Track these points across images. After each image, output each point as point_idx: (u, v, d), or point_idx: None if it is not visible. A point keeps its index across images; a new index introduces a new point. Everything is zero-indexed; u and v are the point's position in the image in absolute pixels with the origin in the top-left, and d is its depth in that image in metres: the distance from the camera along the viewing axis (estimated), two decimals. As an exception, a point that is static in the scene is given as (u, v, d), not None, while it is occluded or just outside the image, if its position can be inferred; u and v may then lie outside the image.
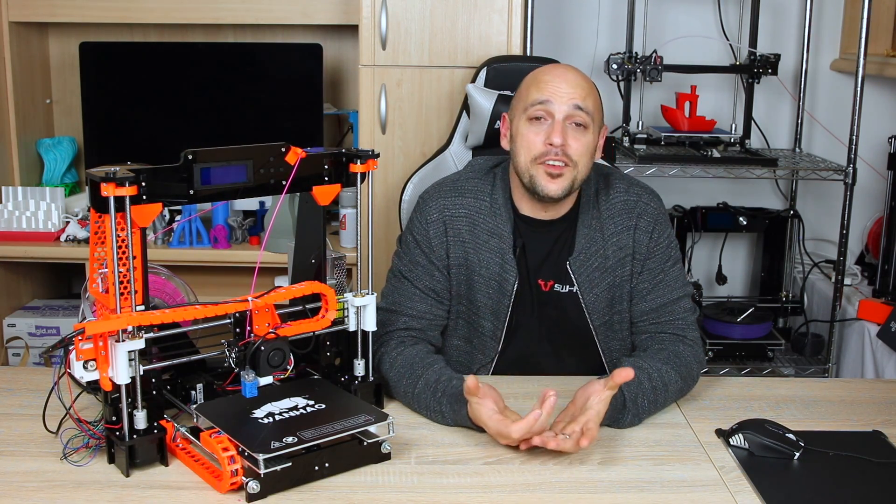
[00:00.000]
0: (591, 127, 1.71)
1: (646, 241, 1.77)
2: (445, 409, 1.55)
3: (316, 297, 1.56)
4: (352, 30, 2.95)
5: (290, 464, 1.31)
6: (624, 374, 1.46)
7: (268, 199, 2.84)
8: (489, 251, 1.77)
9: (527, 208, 1.78)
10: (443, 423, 1.57)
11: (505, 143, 1.79)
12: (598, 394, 1.47)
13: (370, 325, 1.58)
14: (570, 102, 1.68)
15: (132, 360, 1.34)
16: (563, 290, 1.78)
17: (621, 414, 1.54)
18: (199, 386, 1.48)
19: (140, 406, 1.36)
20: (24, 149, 3.06)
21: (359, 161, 1.52)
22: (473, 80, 2.29)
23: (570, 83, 1.70)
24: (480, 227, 1.78)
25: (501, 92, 2.22)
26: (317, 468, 1.35)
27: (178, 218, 2.88)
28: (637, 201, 1.79)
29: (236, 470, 1.30)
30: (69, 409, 1.40)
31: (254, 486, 1.29)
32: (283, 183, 1.48)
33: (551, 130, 1.68)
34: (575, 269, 1.76)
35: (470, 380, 1.45)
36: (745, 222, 3.14)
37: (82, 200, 3.03)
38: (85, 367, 1.34)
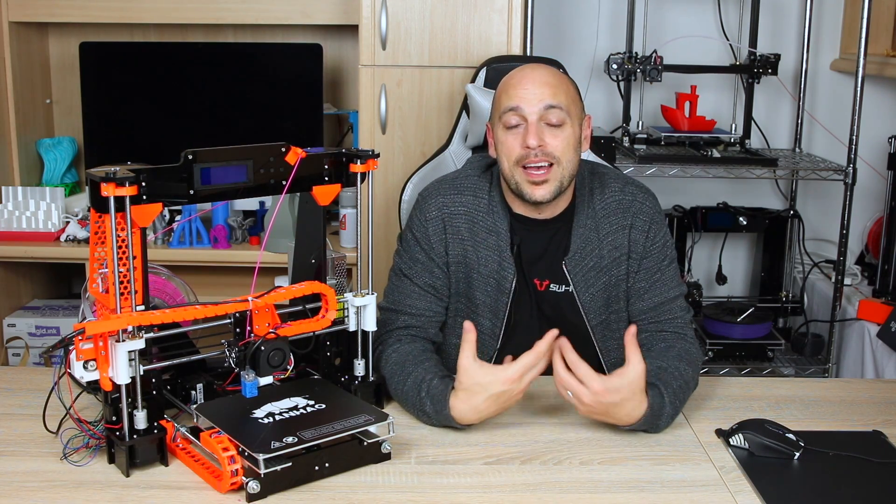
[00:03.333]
0: (569, 121, 1.70)
1: (642, 240, 1.77)
2: (429, 410, 1.55)
3: (316, 297, 1.56)
4: (352, 30, 2.95)
5: (290, 464, 1.31)
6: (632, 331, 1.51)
7: (268, 199, 2.84)
8: (487, 249, 1.77)
9: (520, 208, 1.79)
10: (428, 423, 1.57)
11: (492, 151, 1.79)
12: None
13: (370, 325, 1.58)
14: (540, 104, 1.67)
15: (132, 360, 1.34)
16: (559, 290, 1.78)
17: (660, 415, 1.54)
18: (199, 386, 1.48)
19: (140, 406, 1.36)
20: (24, 149, 3.06)
21: (359, 161, 1.52)
22: (473, 80, 2.29)
23: (536, 84, 1.69)
24: (479, 225, 1.78)
25: (501, 92, 2.22)
26: (317, 468, 1.35)
27: (178, 218, 2.88)
28: (633, 201, 1.79)
29: (236, 470, 1.30)
30: (69, 409, 1.40)
31: (254, 486, 1.29)
32: (283, 183, 1.48)
33: (526, 133, 1.68)
34: (570, 268, 1.76)
35: (467, 325, 1.53)
36: (745, 222, 3.13)
37: (82, 200, 3.03)
38: (85, 367, 1.34)
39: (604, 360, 1.81)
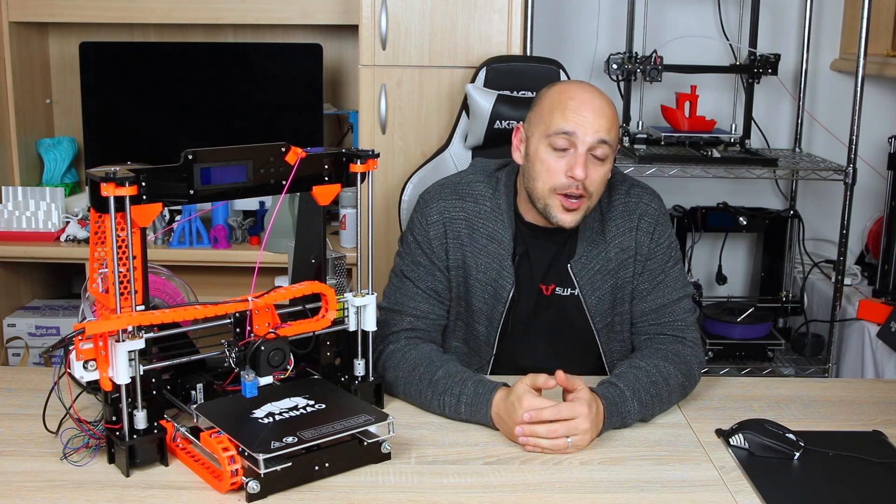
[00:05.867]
0: (610, 156, 1.68)
1: (647, 241, 1.77)
2: (468, 391, 1.55)
3: (316, 297, 1.56)
4: (352, 30, 2.95)
5: (290, 464, 1.31)
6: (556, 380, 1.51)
7: (268, 199, 2.84)
8: (487, 256, 1.76)
9: (532, 217, 1.77)
10: (452, 413, 1.57)
11: (518, 157, 1.75)
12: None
13: (370, 325, 1.58)
14: (595, 136, 1.64)
15: (132, 360, 1.34)
16: (565, 294, 1.78)
17: (622, 406, 1.54)
18: (199, 386, 1.48)
19: (140, 406, 1.36)
20: (24, 149, 3.06)
21: (359, 161, 1.52)
22: (473, 80, 2.29)
23: (596, 113, 1.64)
24: (479, 232, 1.77)
25: (501, 92, 2.22)
26: (317, 468, 1.35)
27: (178, 218, 2.88)
28: (638, 202, 1.79)
29: (236, 470, 1.30)
30: (69, 409, 1.40)
31: (254, 486, 1.29)
32: (283, 183, 1.48)
33: (574, 162, 1.64)
34: (576, 271, 1.76)
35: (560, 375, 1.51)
36: (745, 222, 3.13)
37: (82, 200, 3.03)
38: (85, 367, 1.34)
39: (606, 361, 1.81)
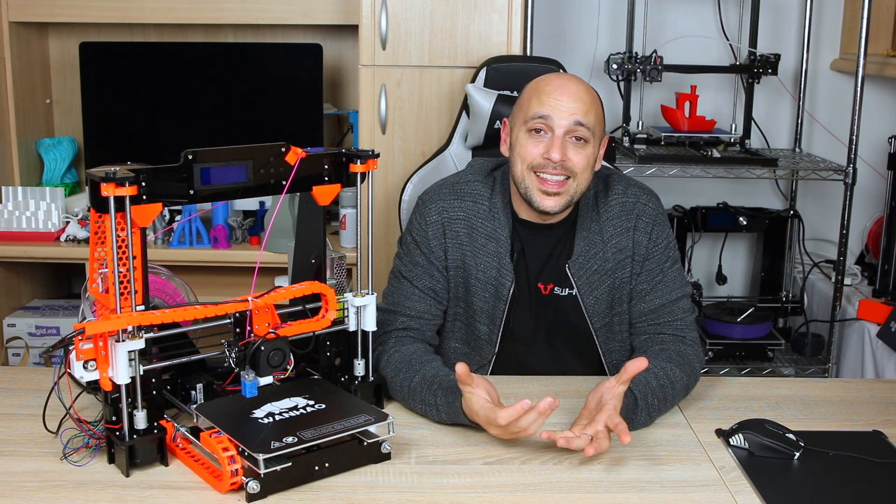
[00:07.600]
0: (592, 140, 1.69)
1: (644, 241, 1.77)
2: (440, 402, 1.54)
3: (316, 297, 1.56)
4: (352, 30, 2.95)
5: (290, 464, 1.31)
6: (637, 364, 1.45)
7: (268, 199, 2.84)
8: (486, 255, 1.76)
9: (525, 213, 1.78)
10: (437, 419, 1.56)
11: (504, 150, 1.78)
12: (610, 390, 1.47)
13: (370, 325, 1.58)
14: (570, 118, 1.66)
15: (132, 360, 1.34)
16: (563, 294, 1.78)
17: (634, 414, 1.53)
18: (199, 386, 1.48)
19: (140, 406, 1.36)
20: (24, 149, 3.06)
21: (359, 161, 1.52)
22: (473, 80, 2.29)
23: (571, 97, 1.67)
24: (478, 231, 1.77)
25: (501, 92, 2.22)
26: (317, 468, 1.35)
27: (178, 218, 2.88)
28: (635, 202, 1.79)
29: (236, 470, 1.30)
30: (69, 409, 1.40)
31: (254, 486, 1.29)
32: (283, 183, 1.48)
33: (550, 145, 1.66)
34: (574, 271, 1.76)
35: (460, 367, 1.43)
36: (745, 222, 3.13)
37: (82, 200, 3.03)
38: (85, 367, 1.34)
39: (605, 361, 1.81)
